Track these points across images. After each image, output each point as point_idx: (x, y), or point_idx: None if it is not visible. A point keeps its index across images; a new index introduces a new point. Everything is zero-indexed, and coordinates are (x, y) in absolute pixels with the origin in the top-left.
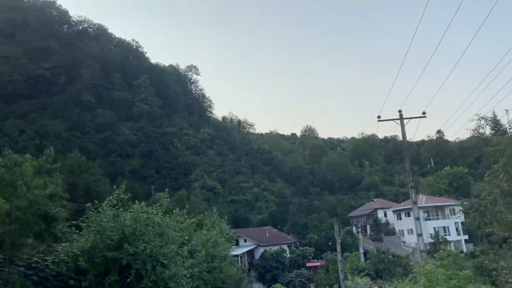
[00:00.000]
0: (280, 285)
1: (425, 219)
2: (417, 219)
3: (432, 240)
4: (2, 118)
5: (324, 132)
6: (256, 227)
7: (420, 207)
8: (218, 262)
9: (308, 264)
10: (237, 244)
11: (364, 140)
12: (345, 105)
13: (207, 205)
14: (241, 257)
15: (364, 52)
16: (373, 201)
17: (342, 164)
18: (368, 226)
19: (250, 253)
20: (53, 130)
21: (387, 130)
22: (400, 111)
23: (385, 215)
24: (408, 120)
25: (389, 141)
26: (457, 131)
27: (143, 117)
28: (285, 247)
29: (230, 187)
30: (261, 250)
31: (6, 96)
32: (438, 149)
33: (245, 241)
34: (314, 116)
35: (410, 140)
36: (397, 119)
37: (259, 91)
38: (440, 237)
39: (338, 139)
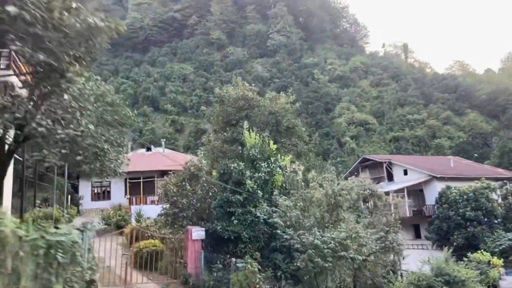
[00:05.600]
0: (488, 254)
1: None
2: None
3: None
4: (135, 65)
5: None
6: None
7: None
8: None
9: None
10: (390, 178)
11: None
12: None
13: (356, 143)
14: (392, 196)
15: None
16: None
17: None
18: None
19: (417, 193)
20: (179, 72)
21: None
22: None
23: None
24: None
25: None
26: None
27: (279, 51)
28: (494, 184)
29: (390, 121)
30: (439, 187)
31: (139, 45)
32: None
33: (405, 173)
34: None
35: None
36: None
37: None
38: None
39: None
